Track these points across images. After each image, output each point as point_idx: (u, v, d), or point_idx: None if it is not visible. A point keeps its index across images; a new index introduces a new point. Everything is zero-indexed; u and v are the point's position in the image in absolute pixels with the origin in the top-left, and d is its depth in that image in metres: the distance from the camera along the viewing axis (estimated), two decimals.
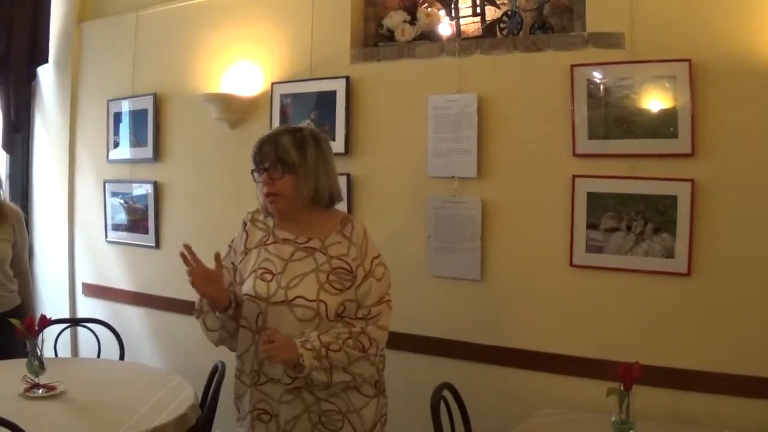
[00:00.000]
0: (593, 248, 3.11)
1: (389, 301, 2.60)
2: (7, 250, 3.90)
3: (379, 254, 2.61)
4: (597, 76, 3.09)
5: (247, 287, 2.60)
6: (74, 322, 4.42)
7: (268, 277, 2.55)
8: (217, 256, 2.57)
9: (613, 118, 3.06)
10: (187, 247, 2.51)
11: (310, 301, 2.48)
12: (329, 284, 2.51)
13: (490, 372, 3.35)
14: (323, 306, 2.48)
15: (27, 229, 4.22)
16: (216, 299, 2.54)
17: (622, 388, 2.54)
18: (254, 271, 2.59)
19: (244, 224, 2.73)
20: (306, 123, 3.80)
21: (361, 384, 2.55)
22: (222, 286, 2.56)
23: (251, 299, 2.56)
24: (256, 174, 2.62)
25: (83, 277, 5.01)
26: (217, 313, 2.59)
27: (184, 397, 3.04)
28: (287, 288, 2.51)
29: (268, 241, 2.63)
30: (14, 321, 3.12)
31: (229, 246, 2.75)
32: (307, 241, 2.59)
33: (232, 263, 2.70)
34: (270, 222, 2.67)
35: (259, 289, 2.54)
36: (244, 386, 2.62)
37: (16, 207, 4.10)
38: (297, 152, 2.53)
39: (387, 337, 2.57)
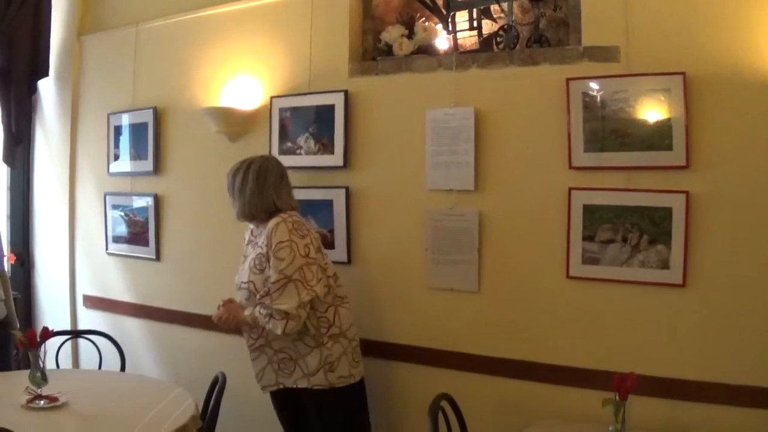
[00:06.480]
0: (589, 260, 3.13)
1: (298, 280, 3.06)
2: None
3: (286, 240, 3.08)
4: (592, 89, 3.11)
5: None
6: (75, 333, 4.43)
7: (238, 269, 3.35)
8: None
9: (609, 131, 3.07)
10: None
11: (245, 282, 3.24)
12: (255, 267, 3.19)
13: (488, 383, 3.36)
14: (252, 285, 3.20)
15: (26, 241, 4.22)
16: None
17: (617, 398, 2.57)
18: None
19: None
20: (305, 136, 3.85)
21: (303, 336, 3.15)
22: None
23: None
24: None
25: (84, 288, 5.03)
26: None
27: (184, 408, 3.05)
28: (239, 276, 3.32)
29: (246, 243, 3.40)
30: (17, 333, 3.16)
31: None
32: (255, 239, 3.31)
33: None
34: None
35: (235, 280, 3.36)
36: None
37: None
38: (228, 181, 3.31)
39: (299, 303, 3.03)
